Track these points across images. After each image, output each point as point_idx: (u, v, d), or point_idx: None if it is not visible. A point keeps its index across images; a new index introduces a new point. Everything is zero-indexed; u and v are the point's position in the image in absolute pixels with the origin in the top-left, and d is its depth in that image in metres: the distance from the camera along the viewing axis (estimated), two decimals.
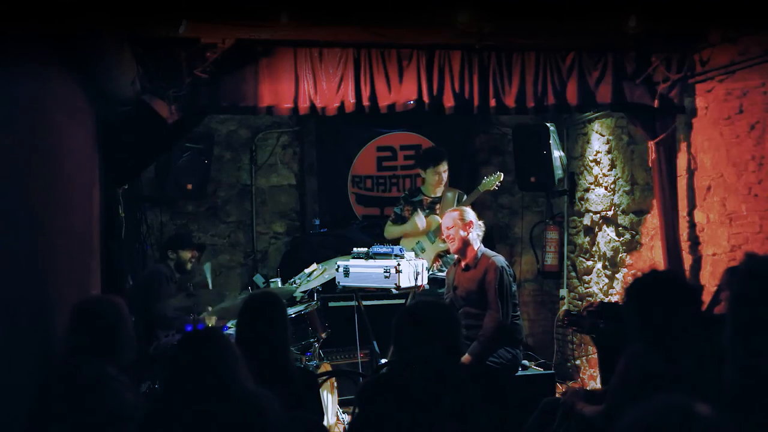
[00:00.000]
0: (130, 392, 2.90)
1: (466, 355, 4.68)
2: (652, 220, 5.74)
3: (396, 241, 5.90)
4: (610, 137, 6.46)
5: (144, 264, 6.36)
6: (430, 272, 5.69)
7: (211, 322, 5.27)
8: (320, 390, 4.68)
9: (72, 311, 3.04)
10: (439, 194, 6.03)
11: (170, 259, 5.69)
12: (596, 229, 6.71)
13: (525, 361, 5.10)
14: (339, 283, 5.39)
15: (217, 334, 2.55)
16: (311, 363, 5.00)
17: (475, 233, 5.00)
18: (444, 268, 5.79)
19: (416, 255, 5.71)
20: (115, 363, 2.94)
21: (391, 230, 6.07)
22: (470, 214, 5.02)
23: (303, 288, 5.43)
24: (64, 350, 2.99)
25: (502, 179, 5.88)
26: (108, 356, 2.94)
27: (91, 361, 2.88)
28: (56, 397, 2.80)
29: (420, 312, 2.56)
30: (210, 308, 5.25)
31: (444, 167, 5.97)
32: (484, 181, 5.89)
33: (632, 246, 6.09)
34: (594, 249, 6.76)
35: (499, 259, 4.95)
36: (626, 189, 6.19)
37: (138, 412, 2.73)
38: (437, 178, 5.96)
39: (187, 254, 5.72)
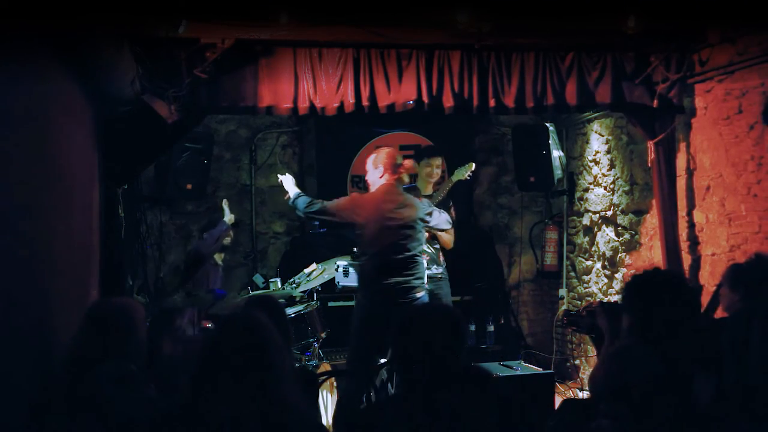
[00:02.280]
0: (150, 390, 2.91)
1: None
2: (652, 220, 5.75)
3: None
4: (610, 137, 6.47)
5: (144, 264, 6.36)
6: None
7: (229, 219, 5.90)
8: (320, 390, 4.69)
9: (89, 313, 3.06)
10: (430, 192, 6.02)
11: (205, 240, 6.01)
12: (595, 229, 6.72)
13: (524, 362, 5.11)
14: (338, 283, 5.40)
15: (262, 322, 2.34)
16: (311, 363, 5.00)
17: (374, 176, 4.99)
18: (432, 266, 5.77)
19: None
20: (134, 362, 2.96)
21: None
22: (372, 161, 5.00)
23: (302, 288, 5.44)
24: (79, 351, 2.98)
25: (473, 168, 5.85)
26: (127, 357, 2.95)
27: (114, 360, 2.89)
28: (79, 396, 2.80)
29: (424, 316, 2.55)
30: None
31: (437, 162, 5.99)
32: (456, 171, 5.87)
33: (631, 246, 6.10)
34: (593, 249, 6.76)
35: None
36: (625, 189, 6.20)
37: (161, 409, 2.73)
38: (428, 171, 5.98)
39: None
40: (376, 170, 4.97)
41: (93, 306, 3.20)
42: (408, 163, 5.06)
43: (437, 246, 5.91)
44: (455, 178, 5.86)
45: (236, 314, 2.49)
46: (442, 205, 5.88)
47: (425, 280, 4.92)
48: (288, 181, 5.10)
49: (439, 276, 5.87)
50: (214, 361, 2.24)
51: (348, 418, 4.56)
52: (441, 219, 5.13)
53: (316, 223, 7.06)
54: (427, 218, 4.99)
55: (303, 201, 4.95)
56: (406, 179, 5.04)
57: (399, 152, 5.06)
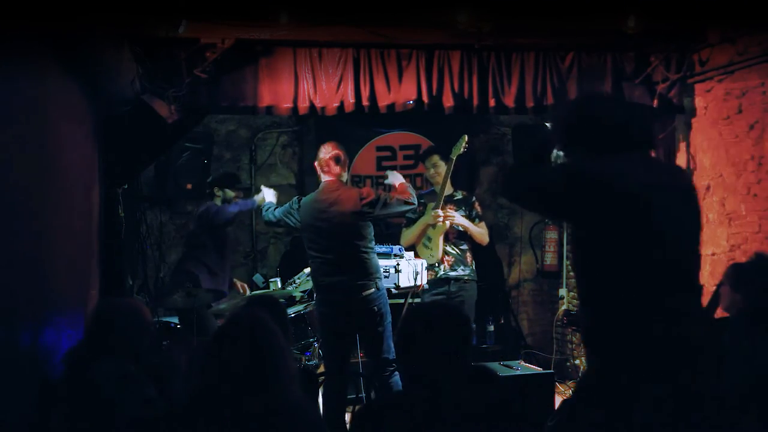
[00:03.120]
0: (150, 390, 2.91)
1: None
2: None
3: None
4: None
5: (144, 264, 6.37)
6: (443, 273, 5.56)
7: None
8: (320, 389, 4.69)
9: (98, 312, 3.06)
10: (450, 191, 5.85)
11: (216, 197, 5.87)
12: None
13: (524, 362, 5.10)
14: None
15: (264, 323, 2.33)
16: (311, 362, 5.01)
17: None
18: (458, 267, 5.61)
19: (426, 247, 5.61)
20: (136, 363, 2.95)
21: (405, 234, 5.75)
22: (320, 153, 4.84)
23: (302, 288, 5.44)
24: (84, 349, 2.99)
25: (467, 140, 5.69)
26: (132, 357, 2.95)
27: (113, 360, 2.89)
28: (75, 395, 2.80)
29: (429, 315, 2.54)
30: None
31: (431, 161, 5.79)
32: (453, 149, 5.67)
33: None
34: None
35: None
36: None
37: (162, 409, 2.73)
38: (430, 173, 5.84)
39: (232, 193, 5.89)
40: (319, 174, 4.81)
41: (102, 305, 3.19)
42: (328, 155, 4.81)
43: (464, 247, 5.60)
44: (453, 155, 5.68)
45: (239, 314, 2.48)
46: (463, 203, 5.74)
47: (378, 274, 4.73)
48: (269, 193, 5.13)
49: (466, 278, 5.59)
50: (217, 361, 2.23)
51: (331, 419, 4.57)
52: (392, 205, 4.74)
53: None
54: (368, 209, 4.67)
55: (266, 210, 4.97)
56: (336, 171, 4.82)
57: (330, 146, 4.76)
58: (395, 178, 5.04)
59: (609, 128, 2.37)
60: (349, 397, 5.41)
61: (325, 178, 4.77)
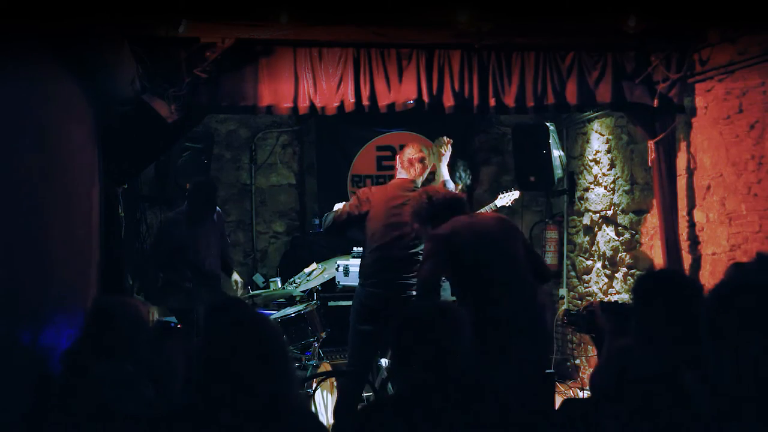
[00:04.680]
0: (148, 390, 2.91)
1: None
2: (652, 220, 5.75)
3: None
4: (610, 137, 6.47)
5: (144, 264, 6.36)
6: None
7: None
8: (320, 389, 4.69)
9: (90, 311, 3.06)
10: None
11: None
12: (596, 229, 6.72)
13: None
14: (339, 282, 5.39)
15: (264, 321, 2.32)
16: (311, 362, 5.00)
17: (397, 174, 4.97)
18: None
19: None
20: (132, 362, 2.95)
21: None
22: (396, 159, 4.97)
23: (303, 287, 5.44)
24: (77, 349, 2.98)
25: (517, 197, 5.88)
26: (130, 356, 2.95)
27: (112, 360, 2.88)
28: (72, 395, 2.80)
29: (422, 316, 2.53)
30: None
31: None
32: (500, 196, 5.92)
33: (632, 245, 6.10)
34: (593, 248, 6.76)
35: None
36: (626, 188, 6.20)
37: (158, 409, 2.72)
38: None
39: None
40: (396, 167, 4.95)
41: (98, 302, 3.18)
42: (415, 157, 4.92)
43: None
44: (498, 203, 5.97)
45: (240, 314, 2.48)
46: None
47: None
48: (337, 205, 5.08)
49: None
50: (216, 361, 2.23)
51: (346, 415, 4.57)
52: None
53: (317, 221, 7.06)
54: None
55: (324, 222, 4.96)
56: (413, 173, 4.88)
57: (417, 147, 4.91)
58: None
59: (440, 208, 4.12)
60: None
61: (402, 175, 4.86)
